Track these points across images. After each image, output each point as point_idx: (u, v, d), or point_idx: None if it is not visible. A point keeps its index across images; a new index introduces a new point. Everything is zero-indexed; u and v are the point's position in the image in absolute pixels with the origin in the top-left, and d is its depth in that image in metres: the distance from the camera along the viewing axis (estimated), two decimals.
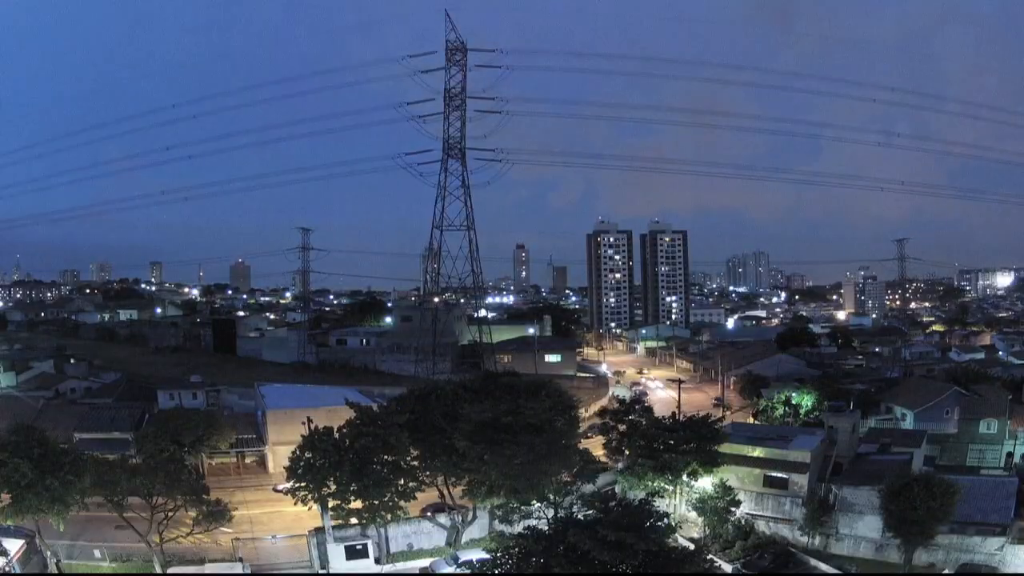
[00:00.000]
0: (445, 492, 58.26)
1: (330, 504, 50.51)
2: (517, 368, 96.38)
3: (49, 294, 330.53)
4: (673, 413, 70.29)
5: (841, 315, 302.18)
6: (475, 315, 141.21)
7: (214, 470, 70.26)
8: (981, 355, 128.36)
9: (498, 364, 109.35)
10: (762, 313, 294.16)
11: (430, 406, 59.50)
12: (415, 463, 54.95)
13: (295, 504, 51.12)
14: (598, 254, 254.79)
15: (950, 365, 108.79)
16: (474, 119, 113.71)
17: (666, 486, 57.59)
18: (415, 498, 53.65)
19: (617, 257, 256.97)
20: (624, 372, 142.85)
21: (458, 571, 45.82)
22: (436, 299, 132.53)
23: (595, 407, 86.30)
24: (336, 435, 51.75)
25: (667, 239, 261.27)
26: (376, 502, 49.76)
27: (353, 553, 50.79)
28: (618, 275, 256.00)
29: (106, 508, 49.54)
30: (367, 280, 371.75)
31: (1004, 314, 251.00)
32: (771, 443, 62.12)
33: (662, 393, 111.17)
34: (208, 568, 48.32)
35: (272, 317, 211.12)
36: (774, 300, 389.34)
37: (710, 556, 47.58)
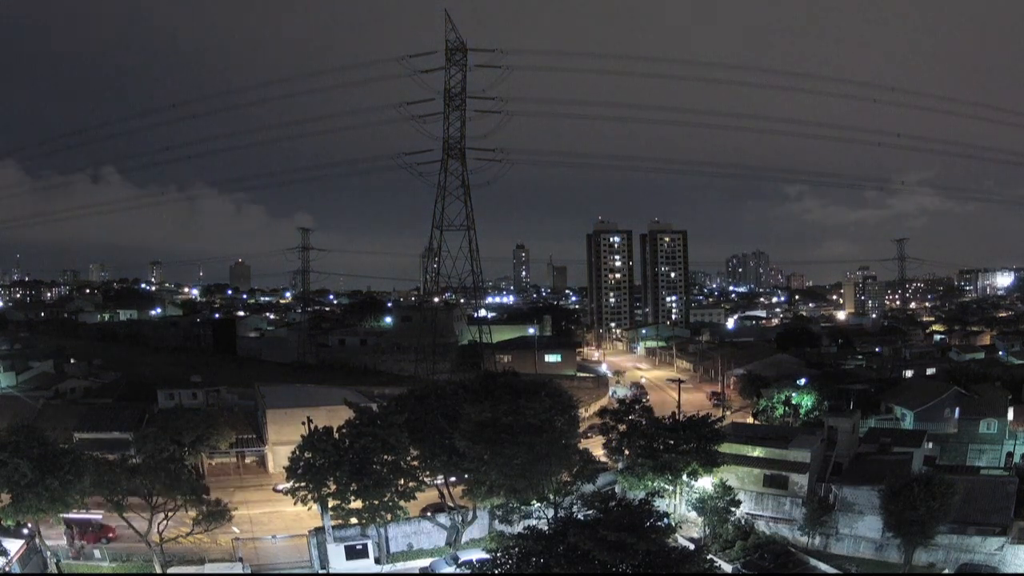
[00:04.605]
0: (445, 492, 58.28)
1: (330, 504, 50.56)
2: (517, 368, 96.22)
3: (49, 294, 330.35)
4: (673, 413, 70.33)
5: (841, 315, 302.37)
6: (475, 315, 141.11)
7: (214, 470, 70.28)
8: (981, 355, 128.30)
9: (498, 364, 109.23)
10: (762, 313, 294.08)
11: (430, 406, 59.53)
12: (415, 463, 54.98)
13: (295, 504, 51.18)
14: (598, 254, 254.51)
15: (949, 365, 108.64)
16: (474, 119, 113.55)
17: (666, 486, 57.63)
18: (415, 498, 53.68)
19: (617, 257, 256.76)
20: (624, 372, 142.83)
21: (458, 571, 45.83)
22: (436, 299, 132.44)
23: (595, 407, 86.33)
24: (336, 435, 51.80)
25: (667, 239, 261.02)
26: (376, 502, 49.80)
27: (353, 553, 50.83)
28: (618, 275, 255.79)
29: (106, 508, 49.60)
30: (367, 280, 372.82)
31: (1004, 314, 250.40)
32: (771, 443, 62.15)
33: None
34: (208, 568, 48.36)
35: (272, 317, 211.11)
36: (774, 300, 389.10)
37: (710, 556, 47.62)
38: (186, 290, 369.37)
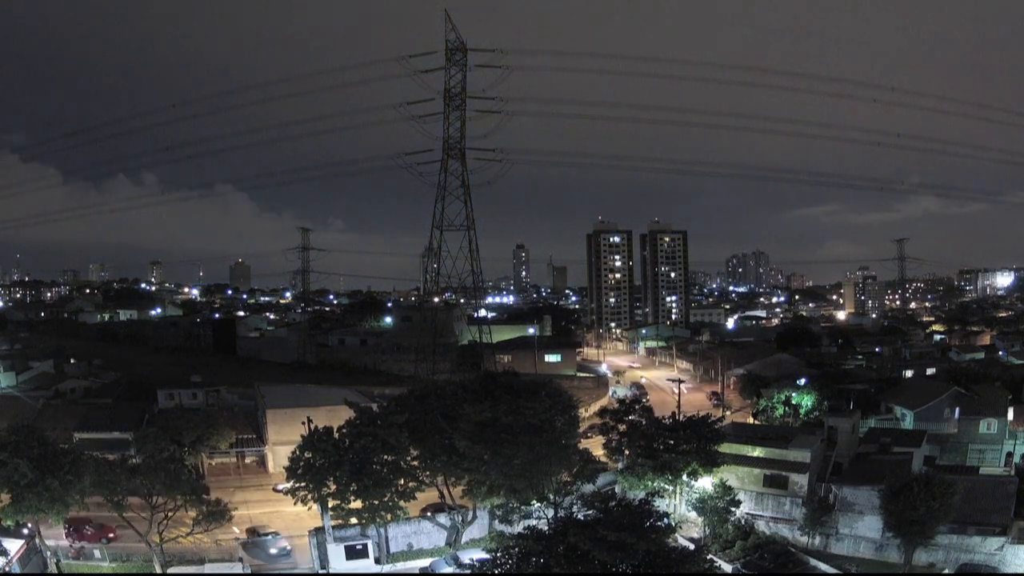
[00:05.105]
0: (445, 492, 58.27)
1: (330, 504, 50.57)
2: (517, 368, 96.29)
3: (49, 294, 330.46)
4: (673, 413, 70.35)
5: (841, 315, 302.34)
6: (475, 315, 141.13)
7: (214, 470, 70.30)
8: (981, 355, 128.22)
9: (498, 364, 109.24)
10: (762, 313, 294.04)
11: (430, 406, 59.55)
12: (415, 463, 54.99)
13: (295, 504, 51.20)
14: (598, 254, 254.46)
15: (949, 365, 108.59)
16: (474, 119, 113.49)
17: (666, 486, 57.64)
18: (415, 498, 53.70)
19: (617, 257, 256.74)
20: (624, 372, 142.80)
21: (458, 571, 45.84)
22: (436, 299, 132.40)
23: (595, 407, 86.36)
24: (336, 435, 51.83)
25: (667, 239, 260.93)
26: (376, 502, 49.82)
27: (353, 553, 50.86)
28: (618, 275, 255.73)
29: (106, 508, 49.63)
30: (367, 280, 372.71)
31: (1004, 314, 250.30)
32: (771, 443, 62.16)
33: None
34: (208, 568, 48.39)
35: (272, 317, 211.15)
36: (774, 300, 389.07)
37: (710, 556, 47.64)
38: (186, 290, 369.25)
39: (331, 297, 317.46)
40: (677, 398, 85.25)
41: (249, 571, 49.03)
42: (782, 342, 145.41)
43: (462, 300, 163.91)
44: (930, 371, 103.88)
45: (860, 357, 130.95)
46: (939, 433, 71.47)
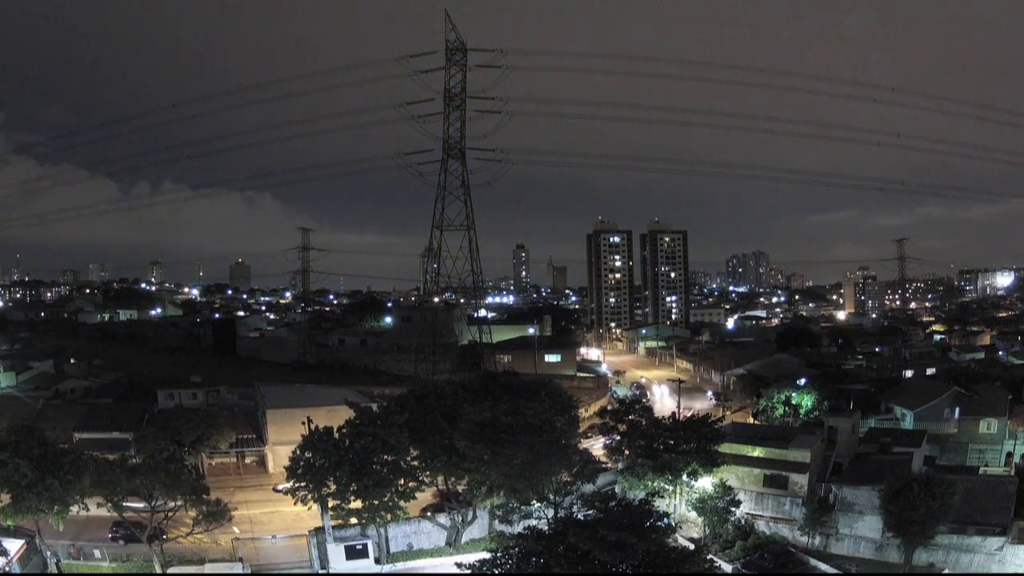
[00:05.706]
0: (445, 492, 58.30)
1: (330, 504, 50.59)
2: (517, 368, 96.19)
3: (49, 294, 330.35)
4: (673, 413, 70.36)
5: (841, 315, 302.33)
6: (475, 315, 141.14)
7: (214, 470, 70.28)
8: (981, 355, 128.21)
9: (498, 364, 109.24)
10: (762, 313, 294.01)
11: (430, 406, 59.58)
12: (415, 463, 55.02)
13: (295, 504, 51.21)
14: (598, 254, 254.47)
15: (949, 365, 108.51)
16: (474, 119, 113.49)
17: (666, 486, 57.66)
18: (415, 498, 53.71)
19: (617, 257, 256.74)
20: (624, 372, 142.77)
21: (458, 571, 45.83)
22: (436, 299, 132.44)
23: (595, 407, 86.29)
24: (336, 435, 51.85)
25: (667, 239, 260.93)
26: (376, 502, 49.86)
27: (353, 553, 50.88)
28: (618, 275, 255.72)
29: (106, 508, 49.62)
30: (367, 280, 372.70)
31: (1004, 314, 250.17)
32: (771, 443, 62.20)
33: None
34: (208, 568, 48.40)
35: (272, 317, 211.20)
36: (774, 300, 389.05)
37: (710, 556, 47.65)
38: (186, 290, 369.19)
39: (331, 297, 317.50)
40: (678, 398, 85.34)
41: (249, 571, 49.05)
42: (782, 342, 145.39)
43: (462, 300, 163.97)
44: (930, 371, 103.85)
45: (860, 357, 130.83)
46: (939, 433, 71.52)
